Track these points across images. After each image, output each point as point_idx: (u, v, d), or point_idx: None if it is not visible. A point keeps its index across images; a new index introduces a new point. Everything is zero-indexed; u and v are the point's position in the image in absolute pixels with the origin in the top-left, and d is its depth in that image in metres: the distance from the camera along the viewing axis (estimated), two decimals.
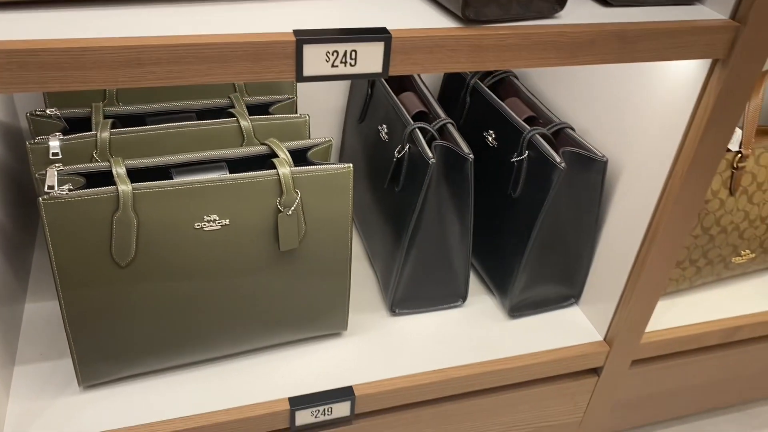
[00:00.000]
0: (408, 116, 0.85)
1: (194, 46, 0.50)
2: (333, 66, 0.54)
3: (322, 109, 1.08)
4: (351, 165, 0.74)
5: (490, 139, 0.91)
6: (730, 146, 0.90)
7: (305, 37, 0.52)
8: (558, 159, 0.79)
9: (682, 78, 0.71)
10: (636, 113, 0.79)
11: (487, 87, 0.95)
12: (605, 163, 0.81)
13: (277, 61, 0.53)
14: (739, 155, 0.89)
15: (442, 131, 0.84)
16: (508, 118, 0.88)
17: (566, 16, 0.62)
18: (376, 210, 0.93)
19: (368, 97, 0.97)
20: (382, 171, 0.90)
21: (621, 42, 0.61)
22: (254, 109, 0.84)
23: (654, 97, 0.75)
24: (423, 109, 0.88)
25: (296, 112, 0.88)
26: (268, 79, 0.53)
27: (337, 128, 1.10)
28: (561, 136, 0.86)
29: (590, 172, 0.82)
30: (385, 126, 0.90)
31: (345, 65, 0.55)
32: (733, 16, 0.64)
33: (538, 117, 0.89)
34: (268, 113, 0.85)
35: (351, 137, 1.04)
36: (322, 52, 0.53)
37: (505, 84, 0.97)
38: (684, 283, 0.97)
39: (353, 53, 0.54)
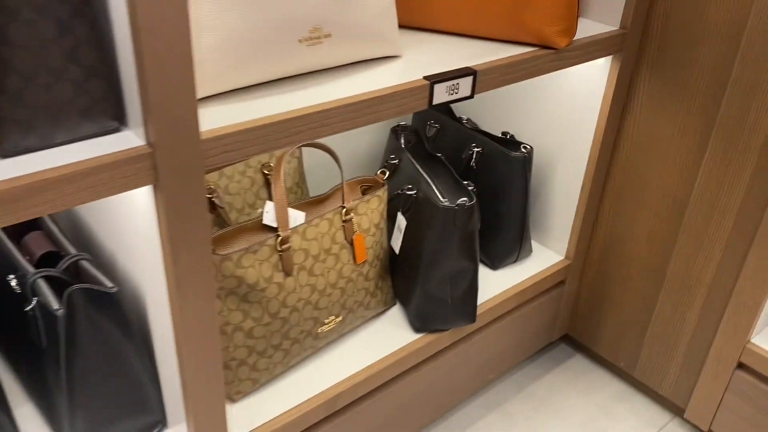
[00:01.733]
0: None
1: None
2: None
3: None
4: None
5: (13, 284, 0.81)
6: (273, 224, 0.91)
7: None
8: (53, 306, 0.72)
9: (149, 211, 0.68)
10: None
11: None
12: (115, 293, 0.75)
13: None
14: (280, 238, 0.90)
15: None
16: (9, 260, 0.79)
17: None
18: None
19: None
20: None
21: (7, 203, 0.55)
22: None
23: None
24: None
25: None
26: None
27: None
28: (81, 269, 0.79)
29: (108, 305, 0.76)
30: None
31: None
32: (148, 142, 0.62)
33: (60, 251, 0.82)
34: None
35: None
36: None
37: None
38: (278, 368, 0.96)
39: None
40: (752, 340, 1.11)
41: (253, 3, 0.68)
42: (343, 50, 0.79)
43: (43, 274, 0.75)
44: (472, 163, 1.21)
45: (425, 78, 0.82)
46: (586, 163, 1.19)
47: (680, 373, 1.24)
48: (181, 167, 0.63)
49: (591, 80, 1.13)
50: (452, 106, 1.40)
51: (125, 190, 0.61)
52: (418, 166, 1.14)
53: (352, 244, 1.00)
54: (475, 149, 1.21)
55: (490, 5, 0.93)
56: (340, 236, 0.98)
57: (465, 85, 0.85)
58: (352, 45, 0.80)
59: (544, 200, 1.30)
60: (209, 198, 1.02)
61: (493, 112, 1.33)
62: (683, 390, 1.24)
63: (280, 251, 0.90)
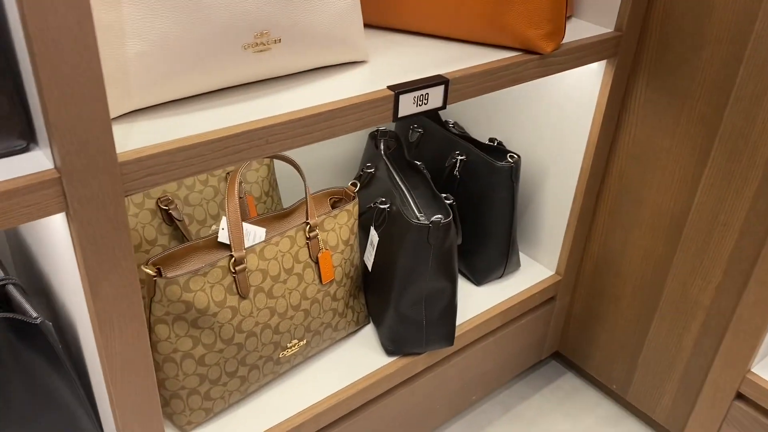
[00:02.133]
0: None
1: None
2: None
3: None
4: None
5: None
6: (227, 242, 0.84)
7: None
8: None
9: (66, 239, 0.61)
10: None
11: None
12: (39, 324, 0.69)
13: None
14: (233, 259, 0.82)
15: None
16: None
17: None
18: None
19: None
20: None
21: None
22: None
23: None
24: None
25: None
26: None
27: None
28: (8, 295, 0.72)
29: (32, 336, 0.69)
30: None
31: None
32: (56, 166, 0.55)
33: None
34: None
35: None
36: None
37: None
38: (234, 396, 0.89)
39: None
40: (752, 370, 1.03)
41: (188, 6, 0.61)
42: (297, 57, 0.71)
43: None
44: (456, 171, 1.13)
45: (390, 88, 0.74)
46: (578, 173, 1.11)
47: (675, 398, 1.16)
48: (94, 194, 0.56)
49: (584, 85, 1.05)
50: None
51: (29, 220, 0.54)
52: (396, 176, 1.06)
53: (317, 262, 0.92)
54: (459, 157, 1.13)
55: (468, 5, 0.85)
56: (303, 254, 0.91)
57: (435, 95, 0.77)
58: (307, 51, 0.72)
59: (534, 211, 1.22)
60: (166, 210, 0.95)
61: (482, 116, 1.25)
62: (678, 417, 1.16)
63: (233, 273, 0.83)
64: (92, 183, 0.55)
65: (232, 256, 0.82)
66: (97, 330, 0.62)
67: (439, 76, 0.78)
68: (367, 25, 0.92)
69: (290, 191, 1.23)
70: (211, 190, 1.00)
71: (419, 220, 0.93)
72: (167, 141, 0.60)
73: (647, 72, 1.01)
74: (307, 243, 0.91)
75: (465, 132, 1.24)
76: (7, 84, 0.54)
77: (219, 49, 0.64)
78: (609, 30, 0.97)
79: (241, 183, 1.03)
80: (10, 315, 0.67)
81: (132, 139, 0.60)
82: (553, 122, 1.12)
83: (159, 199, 0.95)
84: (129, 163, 0.57)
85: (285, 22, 0.67)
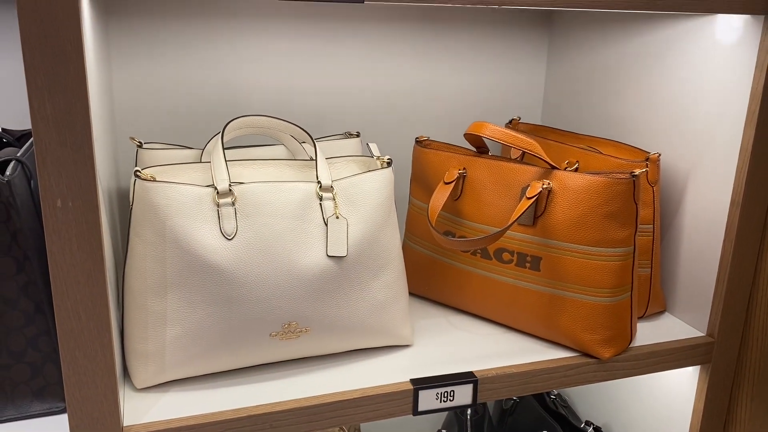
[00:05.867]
0: None
1: None
2: None
3: None
4: None
5: None
6: None
7: None
8: None
9: None
10: None
11: None
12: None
13: None
14: None
15: None
16: None
17: None
18: None
19: None
20: None
21: None
22: None
23: None
24: None
25: None
26: None
27: None
28: None
29: None
30: None
31: None
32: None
33: None
34: None
35: None
36: None
37: None
38: None
39: None
40: None
41: (222, 301, 0.71)
42: (327, 343, 0.77)
43: None
44: None
45: (411, 381, 0.76)
46: None
47: None
48: None
49: (680, 388, 0.95)
50: None
51: None
52: None
53: None
54: None
55: (521, 302, 0.85)
56: None
57: (463, 392, 0.77)
58: (338, 339, 0.77)
59: None
60: None
61: (589, 391, 1.17)
62: None
63: None
64: None
65: None
66: None
67: (469, 373, 0.78)
68: (433, 301, 0.97)
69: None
70: None
71: None
72: (174, 418, 0.68)
73: (750, 385, 0.88)
74: None
75: (567, 405, 1.16)
76: (57, 359, 0.67)
77: (247, 336, 0.73)
78: (701, 334, 0.89)
79: None
80: None
81: (152, 409, 0.69)
82: (655, 420, 1.01)
83: None
84: None
85: (314, 315, 0.75)
